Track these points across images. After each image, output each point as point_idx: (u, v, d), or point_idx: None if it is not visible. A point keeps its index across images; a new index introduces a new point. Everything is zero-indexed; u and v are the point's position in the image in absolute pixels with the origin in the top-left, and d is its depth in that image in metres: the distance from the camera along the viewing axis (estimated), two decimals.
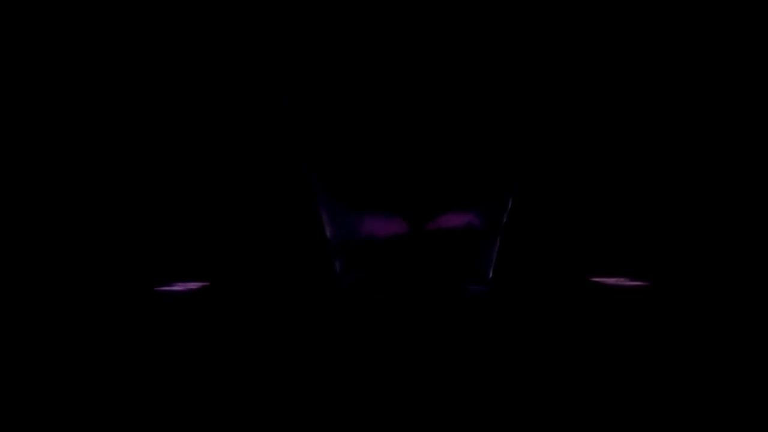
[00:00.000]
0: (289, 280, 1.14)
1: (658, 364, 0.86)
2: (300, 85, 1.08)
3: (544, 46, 1.09)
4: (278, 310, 1.04)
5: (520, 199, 1.12)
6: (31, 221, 1.14)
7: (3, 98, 1.13)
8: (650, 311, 1.03)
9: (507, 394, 0.80)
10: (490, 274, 1.09)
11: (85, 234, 1.15)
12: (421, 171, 1.06)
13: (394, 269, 1.06)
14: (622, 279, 1.15)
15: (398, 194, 1.07)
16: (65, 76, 1.14)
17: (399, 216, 1.06)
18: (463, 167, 1.07)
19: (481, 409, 0.77)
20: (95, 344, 0.93)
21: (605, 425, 0.73)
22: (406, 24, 1.06)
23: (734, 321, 0.99)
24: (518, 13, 1.08)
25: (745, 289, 1.10)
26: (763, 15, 1.11)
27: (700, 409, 0.76)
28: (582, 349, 0.90)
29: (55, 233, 1.14)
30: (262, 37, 1.11)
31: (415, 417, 0.75)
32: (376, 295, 1.06)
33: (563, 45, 1.11)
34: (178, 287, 1.12)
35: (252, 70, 1.14)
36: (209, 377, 0.84)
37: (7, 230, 1.13)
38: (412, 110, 1.07)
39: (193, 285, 1.13)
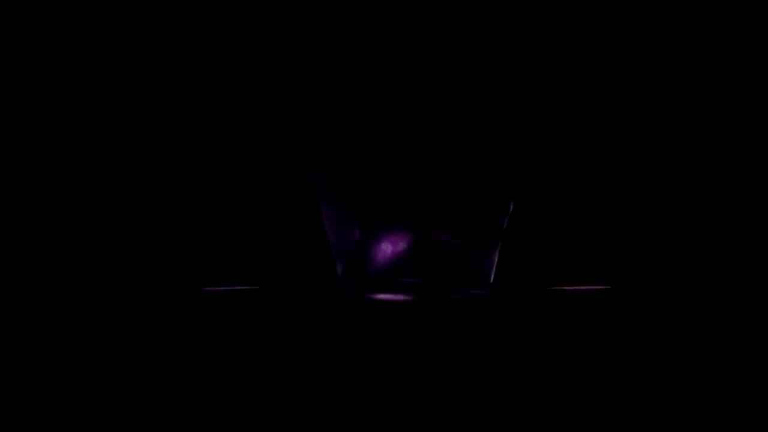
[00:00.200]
0: (291, 281, 1.14)
1: (660, 367, 0.86)
2: (300, 86, 1.09)
3: (544, 50, 1.09)
4: (280, 310, 1.04)
5: (521, 203, 1.12)
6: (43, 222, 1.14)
7: (3, 98, 1.13)
8: (651, 313, 1.04)
9: (508, 394, 0.80)
10: (492, 278, 1.09)
11: (85, 234, 1.15)
12: (423, 174, 1.06)
13: (396, 272, 1.06)
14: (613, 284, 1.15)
15: (400, 197, 1.07)
16: (66, 75, 1.14)
17: (401, 219, 1.07)
18: (465, 170, 1.07)
19: (481, 409, 0.77)
20: (95, 344, 0.93)
21: (605, 425, 0.73)
22: (409, 25, 1.06)
23: (733, 321, 0.99)
24: (518, 16, 1.08)
25: (724, 290, 1.11)
26: (764, 15, 1.11)
27: (700, 409, 0.76)
28: (582, 352, 0.90)
29: (32, 239, 1.14)
30: (262, 37, 1.12)
31: (416, 416, 0.75)
32: (378, 296, 1.06)
33: (563, 49, 1.11)
34: (181, 289, 1.12)
35: (252, 70, 1.14)
36: (212, 378, 0.84)
37: (49, 229, 1.13)
38: (415, 113, 1.07)
39: (196, 286, 1.13)
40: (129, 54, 1.13)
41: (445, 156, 1.07)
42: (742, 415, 0.76)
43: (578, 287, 1.12)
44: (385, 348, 0.90)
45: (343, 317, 1.00)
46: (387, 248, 1.06)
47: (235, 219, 1.16)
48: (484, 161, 1.08)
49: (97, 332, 0.96)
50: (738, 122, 1.14)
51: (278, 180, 1.16)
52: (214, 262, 1.15)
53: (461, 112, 1.07)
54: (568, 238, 1.17)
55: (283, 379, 0.84)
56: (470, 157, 1.07)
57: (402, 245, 1.06)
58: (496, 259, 1.08)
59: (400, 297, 1.05)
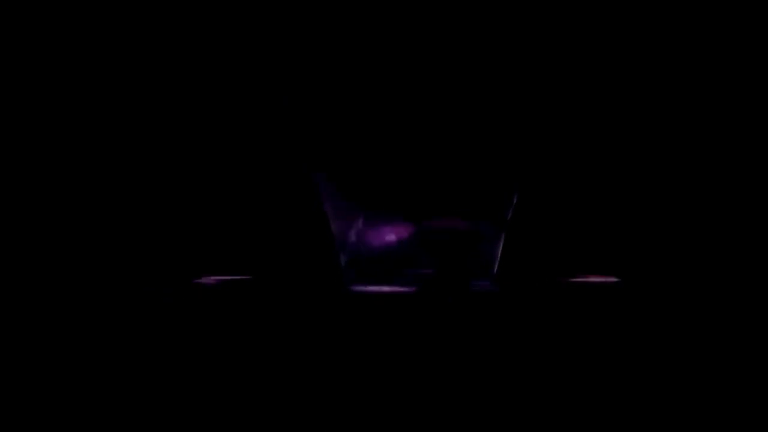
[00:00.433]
0: (295, 273, 1.14)
1: (661, 365, 0.86)
2: (300, 86, 1.09)
3: (545, 48, 1.09)
4: (283, 303, 1.04)
5: (524, 194, 1.12)
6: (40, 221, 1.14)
7: (3, 98, 1.13)
8: (650, 310, 1.03)
9: (510, 390, 0.80)
10: (495, 270, 1.08)
11: (84, 234, 1.14)
12: (426, 166, 1.07)
13: (399, 264, 1.06)
14: (616, 277, 1.14)
15: (403, 190, 1.07)
16: (65, 76, 1.14)
17: (404, 211, 1.07)
18: (468, 162, 1.08)
19: (483, 404, 0.77)
20: (95, 344, 0.93)
21: (604, 425, 0.73)
22: (411, 22, 1.07)
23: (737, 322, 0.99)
24: (519, 14, 1.08)
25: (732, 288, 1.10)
26: (764, 15, 1.11)
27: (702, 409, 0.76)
28: (584, 347, 0.90)
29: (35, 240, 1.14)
30: (262, 37, 1.12)
31: (419, 411, 0.75)
32: (381, 289, 1.05)
33: (564, 48, 1.11)
34: (184, 284, 1.12)
35: (252, 70, 1.14)
36: (214, 372, 0.84)
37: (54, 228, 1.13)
38: (418, 107, 1.07)
39: (199, 280, 1.13)
40: (129, 54, 1.13)
41: (448, 148, 1.08)
42: (755, 409, 0.75)
43: (587, 279, 1.12)
44: (390, 341, 0.90)
45: (346, 310, 1.00)
46: (390, 240, 1.06)
47: (235, 218, 1.16)
48: (487, 153, 1.08)
49: (98, 332, 0.96)
50: (750, 116, 1.14)
51: (281, 175, 1.15)
52: (213, 262, 1.15)
53: (464, 107, 1.08)
54: (576, 230, 1.16)
55: (286, 372, 0.84)
56: (473, 149, 1.08)
57: (405, 237, 1.06)
58: (500, 251, 1.08)
59: (403, 289, 1.05)
